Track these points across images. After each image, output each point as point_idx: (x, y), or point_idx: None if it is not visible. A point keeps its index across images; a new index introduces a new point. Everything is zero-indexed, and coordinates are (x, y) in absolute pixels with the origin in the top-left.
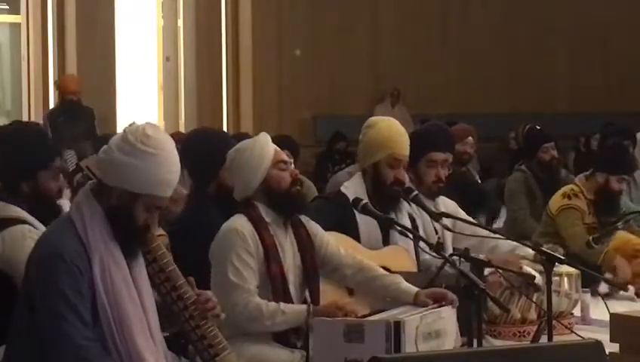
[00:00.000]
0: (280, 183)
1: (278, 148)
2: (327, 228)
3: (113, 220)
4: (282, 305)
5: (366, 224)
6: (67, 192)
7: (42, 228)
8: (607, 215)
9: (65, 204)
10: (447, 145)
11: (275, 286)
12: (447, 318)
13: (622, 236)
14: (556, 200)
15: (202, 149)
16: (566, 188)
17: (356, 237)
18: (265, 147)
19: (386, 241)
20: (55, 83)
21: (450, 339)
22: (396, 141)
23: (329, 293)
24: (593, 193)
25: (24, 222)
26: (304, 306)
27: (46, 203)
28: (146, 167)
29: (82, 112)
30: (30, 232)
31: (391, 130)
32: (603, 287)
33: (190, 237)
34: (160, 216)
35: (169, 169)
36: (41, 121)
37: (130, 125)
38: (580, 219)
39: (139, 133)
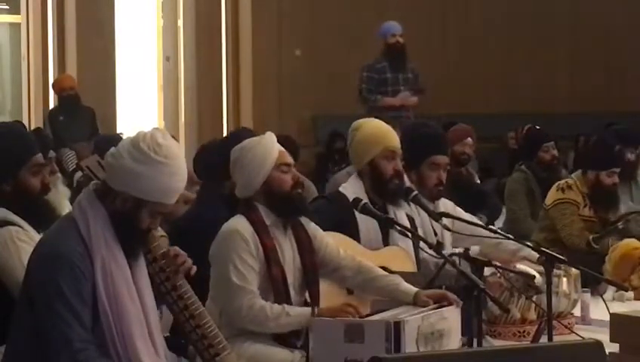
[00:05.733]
0: (281, 186)
1: (283, 150)
2: (326, 229)
3: (117, 223)
4: (287, 307)
5: (366, 224)
6: (67, 192)
7: (29, 227)
8: (606, 210)
9: (65, 204)
10: (446, 147)
11: (276, 288)
12: (450, 318)
13: (627, 243)
14: (551, 194)
15: (218, 150)
16: (560, 182)
17: (356, 237)
18: (269, 148)
19: (386, 241)
20: (52, 86)
21: (455, 340)
22: (386, 135)
23: (327, 292)
24: (587, 189)
25: (11, 223)
26: (308, 309)
27: (30, 200)
28: (157, 176)
29: (82, 111)
30: (17, 233)
31: (378, 126)
32: (608, 294)
33: (195, 234)
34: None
35: (178, 178)
36: (41, 121)
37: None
38: (574, 214)
39: (151, 140)
